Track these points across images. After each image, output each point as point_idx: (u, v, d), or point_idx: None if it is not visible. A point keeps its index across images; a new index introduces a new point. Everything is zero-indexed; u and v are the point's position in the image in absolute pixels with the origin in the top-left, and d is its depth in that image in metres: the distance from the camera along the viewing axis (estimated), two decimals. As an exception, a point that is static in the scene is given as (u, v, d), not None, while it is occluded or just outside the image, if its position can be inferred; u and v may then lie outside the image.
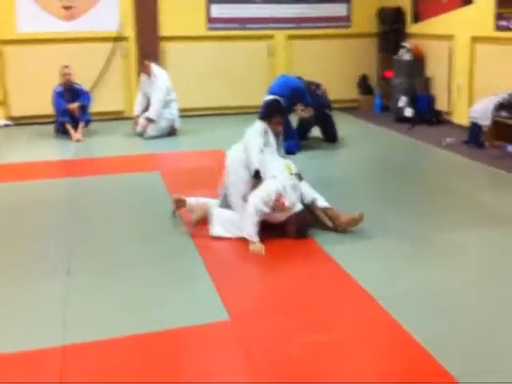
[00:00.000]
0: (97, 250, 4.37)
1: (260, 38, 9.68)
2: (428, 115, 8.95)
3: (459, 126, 8.49)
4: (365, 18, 10.08)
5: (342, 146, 7.73)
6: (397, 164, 6.88)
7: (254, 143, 4.58)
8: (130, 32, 9.19)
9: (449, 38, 8.72)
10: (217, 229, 4.44)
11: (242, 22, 9.62)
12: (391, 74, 9.63)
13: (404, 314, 3.33)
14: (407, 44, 9.35)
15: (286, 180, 4.42)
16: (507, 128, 7.53)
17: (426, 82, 9.19)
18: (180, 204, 4.79)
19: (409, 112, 9.04)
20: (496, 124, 7.49)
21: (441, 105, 9.02)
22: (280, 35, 9.75)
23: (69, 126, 8.00)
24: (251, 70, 9.50)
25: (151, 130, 8.08)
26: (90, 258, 4.21)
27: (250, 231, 4.27)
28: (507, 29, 7.64)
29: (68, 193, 5.84)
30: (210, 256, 4.19)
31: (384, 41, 9.92)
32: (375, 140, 8.43)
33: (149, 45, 9.11)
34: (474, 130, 7.67)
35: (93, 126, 8.46)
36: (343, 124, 9.08)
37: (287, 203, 4.29)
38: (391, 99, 9.66)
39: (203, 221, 4.54)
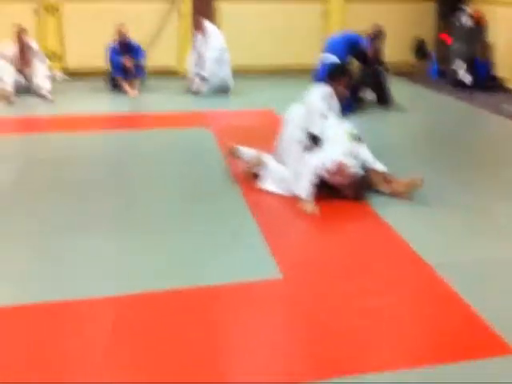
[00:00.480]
0: (147, 207, 4.36)
1: (315, 1, 9.57)
2: (487, 81, 8.68)
3: (522, 94, 8.20)
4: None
5: (396, 111, 7.54)
6: (453, 131, 6.69)
7: (317, 107, 4.53)
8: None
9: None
10: (268, 183, 4.46)
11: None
12: (448, 38, 9.34)
13: (462, 284, 3.18)
14: (467, 8, 9.02)
15: (347, 148, 4.34)
16: None
17: (486, 48, 8.88)
18: (233, 152, 4.80)
19: (467, 78, 8.79)
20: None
21: (502, 71, 8.71)
22: (336, -1, 9.60)
23: (123, 82, 8.07)
24: (304, 32, 9.39)
25: (204, 88, 8.08)
26: (141, 216, 4.14)
27: (306, 190, 4.23)
28: None
29: (122, 146, 5.96)
30: (262, 213, 4.17)
31: (443, 5, 9.60)
32: (431, 106, 8.23)
33: (204, 4, 9.10)
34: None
35: (147, 82, 8.55)
36: (398, 89, 8.87)
37: (348, 171, 4.25)
38: (448, 64, 9.38)
39: (255, 172, 4.57)
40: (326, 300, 3.09)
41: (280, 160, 4.63)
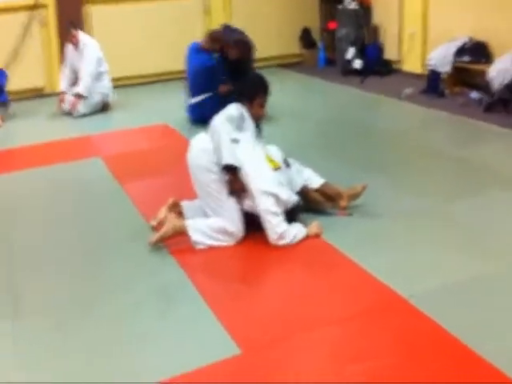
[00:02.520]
0: (45, 276, 3.54)
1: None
2: (377, 65, 8.44)
3: (412, 75, 8.04)
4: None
5: (289, 107, 7.04)
6: (356, 122, 6.34)
7: (222, 132, 3.64)
8: (48, -2, 8.11)
9: (398, -19, 8.14)
10: (196, 237, 3.65)
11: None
12: (334, 25, 9.01)
13: (442, 315, 2.83)
14: (351, -10, 8.71)
15: (272, 179, 3.67)
16: (466, 73, 7.13)
17: (375, 31, 8.63)
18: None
19: (357, 64, 8.49)
20: (455, 70, 7.06)
21: (390, 54, 8.50)
22: (217, -11, 8.91)
23: (-17, 111, 6.97)
24: (187, 31, 8.62)
25: (82, 108, 7.15)
26: (39, 290, 3.39)
27: (288, 231, 3.61)
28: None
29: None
30: (196, 272, 3.46)
31: (325, -11, 9.26)
32: (326, 96, 7.90)
33: (71, 10, 8.04)
34: (433, 77, 7.24)
35: (12, 107, 7.38)
36: (286, 81, 8.55)
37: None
38: (336, 51, 9.06)
39: (174, 234, 3.71)
40: (295, 369, 2.52)
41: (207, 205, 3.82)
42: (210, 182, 3.69)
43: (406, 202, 4.20)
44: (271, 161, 3.76)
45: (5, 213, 4.52)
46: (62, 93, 7.31)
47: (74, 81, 7.31)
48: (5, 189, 5.03)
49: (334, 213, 4.01)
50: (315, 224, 3.74)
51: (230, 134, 3.66)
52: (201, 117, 5.68)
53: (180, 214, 3.91)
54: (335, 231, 3.77)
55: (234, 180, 3.64)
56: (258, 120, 3.96)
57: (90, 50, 7.09)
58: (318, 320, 2.88)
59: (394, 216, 3.97)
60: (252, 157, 3.70)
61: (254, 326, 2.88)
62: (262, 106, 3.95)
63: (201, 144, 3.79)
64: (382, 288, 3.11)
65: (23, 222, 4.33)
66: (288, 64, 9.41)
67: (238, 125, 3.77)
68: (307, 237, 3.69)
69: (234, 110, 3.84)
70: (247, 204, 3.69)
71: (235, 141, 3.68)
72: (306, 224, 3.77)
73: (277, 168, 3.72)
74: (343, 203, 3.99)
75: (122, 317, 3.06)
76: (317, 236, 3.69)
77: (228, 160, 3.59)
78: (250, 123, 3.89)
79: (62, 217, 4.38)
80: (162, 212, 3.88)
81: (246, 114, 3.86)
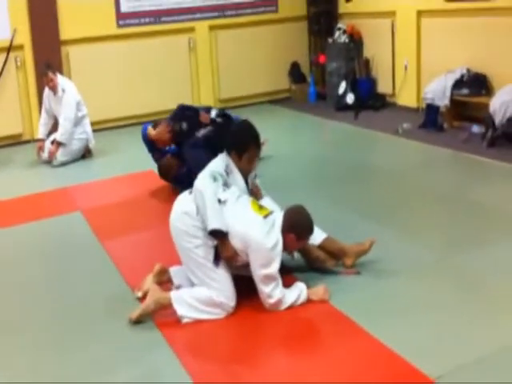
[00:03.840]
0: (11, 355, 3.09)
1: (179, 31, 8.45)
2: (371, 100, 8.12)
3: (407, 109, 7.75)
4: (293, 1, 9.05)
5: (280, 146, 6.62)
6: (352, 161, 5.97)
7: (208, 193, 3.20)
8: (24, 38, 7.69)
9: (390, 14, 7.86)
10: (182, 310, 3.18)
11: (157, 15, 8.33)
12: (324, 58, 8.73)
13: None
14: (342, 25, 8.43)
15: (263, 231, 3.18)
16: (465, 107, 6.82)
17: (366, 64, 8.33)
18: (161, 278, 3.49)
19: (350, 98, 8.17)
20: (453, 103, 6.74)
21: (384, 87, 8.19)
22: (202, 26, 8.55)
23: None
24: (172, 69, 8.28)
25: (61, 155, 6.71)
26: (10, 370, 2.95)
27: (286, 296, 3.22)
28: (458, -2, 6.84)
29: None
30: (186, 351, 2.99)
31: (315, 24, 8.97)
32: (318, 133, 7.60)
33: (49, 51, 7.64)
34: (431, 111, 6.93)
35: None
36: (276, 117, 8.26)
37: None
38: (327, 86, 8.76)
39: (158, 309, 3.24)
40: None
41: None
42: (193, 248, 3.24)
43: (417, 254, 3.78)
44: (260, 209, 3.31)
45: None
46: (41, 140, 6.91)
47: (53, 127, 6.92)
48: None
49: (339, 271, 3.58)
50: (321, 287, 3.31)
51: (215, 194, 3.23)
52: None
53: (168, 282, 3.47)
54: (342, 294, 3.34)
55: (222, 246, 3.20)
56: (245, 173, 3.55)
57: (68, 94, 6.68)
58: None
59: (408, 273, 3.55)
60: (239, 214, 3.24)
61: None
62: (252, 160, 3.53)
63: (182, 206, 3.33)
64: (404, 366, 2.67)
65: (5, 281, 3.90)
66: (277, 100, 9.10)
67: (225, 181, 3.35)
68: (311, 301, 3.26)
69: (219, 164, 3.43)
70: (239, 264, 3.26)
71: (222, 202, 3.24)
72: (308, 286, 3.34)
73: (267, 215, 3.27)
74: (349, 262, 3.57)
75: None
76: (323, 301, 3.25)
77: (214, 225, 3.14)
78: (236, 177, 3.48)
79: (36, 282, 3.93)
80: (148, 281, 3.43)
81: (234, 168, 3.47)
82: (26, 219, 5.08)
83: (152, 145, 5.44)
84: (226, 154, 3.51)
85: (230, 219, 3.19)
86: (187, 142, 5.19)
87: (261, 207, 3.33)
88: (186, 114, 5.41)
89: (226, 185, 3.34)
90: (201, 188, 3.23)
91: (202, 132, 5.17)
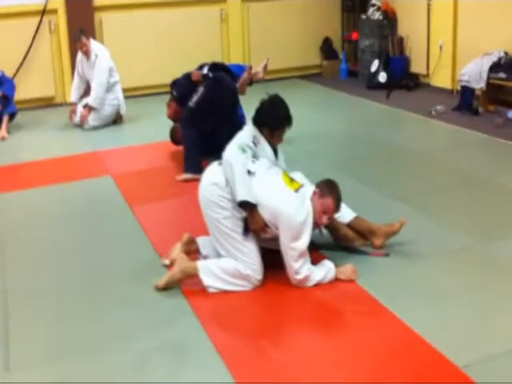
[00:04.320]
0: (41, 317, 3.14)
1: (212, 2, 8.38)
2: (404, 79, 8.00)
3: (441, 90, 7.62)
4: (327, -25, 8.93)
5: (311, 124, 6.59)
6: (383, 141, 5.89)
7: (237, 164, 3.20)
8: (58, 2, 7.70)
9: (426, -8, 7.71)
10: (208, 280, 3.21)
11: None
12: (357, 35, 8.61)
13: None
14: (377, 1, 8.28)
15: (296, 204, 3.15)
16: (502, 91, 6.69)
17: (400, 43, 8.19)
18: (189, 247, 3.51)
19: (382, 77, 8.06)
20: (490, 87, 6.61)
21: (418, 67, 8.06)
22: (234, -2, 8.49)
23: (-13, 122, 6.59)
24: (203, 40, 8.23)
25: (93, 120, 6.76)
26: (34, 336, 2.98)
27: (314, 273, 3.21)
28: (498, -23, 6.67)
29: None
30: (211, 321, 3.01)
31: None
32: (349, 112, 7.49)
33: (82, 16, 7.64)
34: (466, 94, 6.80)
35: (20, 117, 7.01)
36: (307, 93, 8.19)
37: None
38: (359, 63, 8.65)
39: (184, 278, 3.28)
40: None
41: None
42: (222, 219, 3.24)
43: (446, 239, 3.75)
44: (291, 182, 3.29)
45: (4, 235, 4.12)
46: (73, 104, 6.95)
47: (86, 91, 6.95)
48: (6, 209, 4.65)
49: (367, 252, 3.57)
50: (350, 267, 3.30)
51: (244, 166, 3.23)
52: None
53: (196, 252, 3.49)
54: (370, 275, 3.33)
55: (251, 218, 3.20)
56: (273, 145, 3.57)
57: (101, 59, 6.69)
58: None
59: (435, 257, 3.53)
60: (270, 187, 3.23)
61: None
62: (281, 138, 3.57)
63: (212, 177, 3.33)
64: (430, 352, 2.66)
65: (21, 248, 3.95)
66: (308, 75, 9.01)
67: (254, 153, 3.37)
68: (338, 279, 3.26)
69: (246, 136, 3.43)
70: (267, 237, 3.26)
71: (251, 173, 3.24)
72: (336, 264, 3.34)
73: (298, 188, 3.26)
74: (378, 242, 3.55)
75: (125, 374, 2.64)
76: (350, 281, 3.25)
77: (243, 196, 3.14)
78: (265, 148, 3.49)
79: (66, 245, 3.98)
80: (176, 250, 3.46)
81: (262, 139, 3.47)
82: (57, 180, 5.16)
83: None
84: (253, 126, 3.49)
85: (259, 191, 3.19)
86: (181, 114, 5.15)
87: (292, 180, 3.31)
88: (179, 80, 5.32)
89: (255, 156, 3.34)
90: (229, 159, 3.23)
91: (194, 99, 5.03)
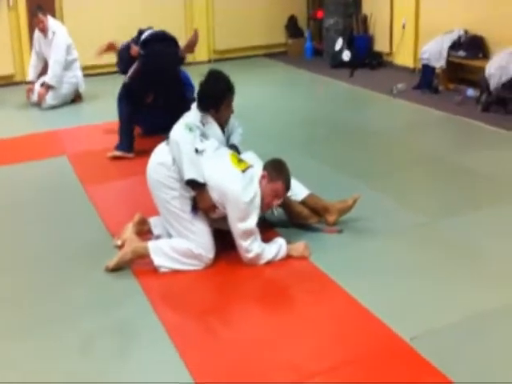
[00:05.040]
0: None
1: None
2: (367, 58, 7.99)
3: (403, 69, 7.64)
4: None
5: (274, 102, 6.62)
6: (344, 121, 5.91)
7: (184, 143, 3.15)
8: (15, -24, 7.52)
9: (389, -31, 7.68)
10: (159, 260, 3.18)
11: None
12: (322, 13, 8.56)
13: (448, 361, 2.43)
14: (340, -22, 8.23)
15: (242, 184, 3.12)
16: (461, 69, 6.73)
17: (364, 21, 8.18)
18: (141, 228, 3.46)
19: (346, 55, 8.04)
20: (449, 65, 6.65)
21: (381, 46, 8.07)
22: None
23: None
24: (166, 17, 8.07)
25: (51, 99, 6.63)
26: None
27: (265, 251, 3.20)
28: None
29: None
30: (161, 300, 3.00)
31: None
32: (313, 90, 7.49)
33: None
34: (427, 72, 6.83)
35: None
36: (271, 72, 8.17)
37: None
38: (324, 42, 8.62)
39: (135, 258, 3.24)
40: None
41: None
42: (170, 200, 3.21)
43: (402, 216, 3.78)
44: (239, 162, 3.26)
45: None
46: (31, 82, 6.80)
47: (43, 70, 6.80)
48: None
49: (321, 229, 3.57)
50: (302, 244, 3.30)
51: (192, 144, 3.18)
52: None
53: (149, 232, 3.45)
54: (323, 252, 3.34)
55: (200, 196, 3.16)
56: (223, 122, 3.52)
57: (58, 37, 6.54)
58: (300, 367, 2.45)
59: (390, 234, 3.55)
60: (217, 167, 3.20)
61: (224, 372, 2.45)
62: (229, 106, 3.49)
63: (158, 157, 3.29)
64: (379, 327, 2.69)
65: None
66: (273, 54, 8.96)
67: (202, 132, 3.32)
68: (291, 257, 3.26)
69: (193, 115, 3.39)
70: (216, 217, 3.24)
71: (199, 151, 3.20)
72: (289, 241, 3.33)
73: (245, 168, 3.22)
74: (331, 218, 3.56)
75: (70, 355, 2.60)
76: (303, 258, 3.25)
77: (191, 175, 3.10)
78: (214, 127, 3.45)
79: (17, 224, 3.93)
80: (127, 230, 3.41)
81: (209, 118, 3.42)
82: (11, 161, 5.06)
83: None
84: (201, 111, 3.43)
85: (207, 170, 3.15)
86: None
87: (240, 161, 3.28)
88: (122, 54, 5.20)
89: (203, 135, 3.30)
90: (176, 138, 3.18)
91: (128, 74, 4.99)
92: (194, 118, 3.38)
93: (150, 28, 5.12)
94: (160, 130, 4.89)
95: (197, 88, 3.54)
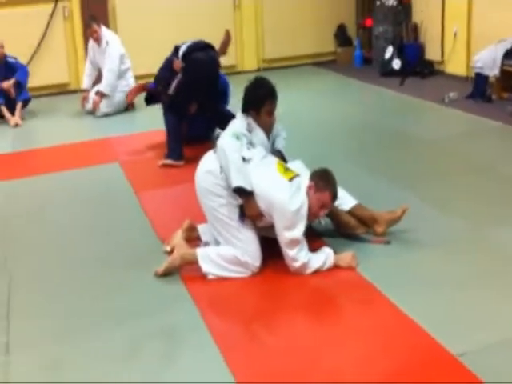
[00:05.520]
0: (42, 298, 3.21)
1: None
2: (418, 66, 7.91)
3: (455, 77, 7.52)
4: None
5: (324, 110, 6.61)
6: (395, 129, 5.84)
7: (231, 151, 3.19)
8: (73, -11, 7.76)
9: (441, -23, 7.59)
10: (207, 267, 3.23)
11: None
12: (371, 21, 8.52)
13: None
14: (389, -14, 8.19)
15: (289, 193, 3.13)
16: (516, 78, 6.58)
17: (415, 29, 8.10)
18: (190, 234, 3.53)
19: (396, 64, 7.98)
20: (504, 74, 6.51)
21: (432, 54, 7.96)
22: (247, -17, 8.44)
23: (3, 109, 6.66)
24: (217, 27, 8.16)
25: (104, 107, 6.81)
26: (34, 317, 3.04)
27: (312, 260, 3.21)
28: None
29: (1, 204, 4.57)
30: (209, 307, 3.05)
31: (363, -15, 8.75)
32: (363, 99, 7.45)
33: (96, 3, 7.67)
34: (480, 81, 6.70)
35: (33, 103, 7.11)
36: (320, 80, 8.17)
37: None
38: (373, 50, 8.58)
39: (183, 264, 3.30)
40: None
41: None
42: (218, 207, 3.26)
43: (452, 227, 3.72)
44: (285, 171, 3.28)
45: (10, 221, 4.20)
46: (85, 90, 7.00)
47: (98, 78, 7.00)
48: (17, 194, 4.72)
49: (368, 240, 3.56)
50: (350, 254, 3.29)
51: (239, 152, 3.23)
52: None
53: (197, 239, 3.51)
54: (370, 262, 3.32)
55: (247, 204, 3.20)
56: (267, 129, 3.54)
57: (112, 46, 6.73)
58: (343, 377, 2.45)
59: (440, 245, 3.50)
60: (264, 175, 3.22)
61: (267, 378, 2.48)
62: (271, 113, 3.51)
63: (206, 165, 3.35)
64: (427, 340, 2.65)
65: (26, 233, 4.02)
66: (322, 62, 8.94)
67: (249, 140, 3.36)
68: (338, 267, 3.26)
69: (239, 123, 3.43)
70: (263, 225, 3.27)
71: (246, 160, 3.24)
72: (336, 251, 3.34)
73: (292, 177, 3.24)
74: (380, 229, 3.54)
75: (119, 357, 2.68)
76: (350, 268, 3.24)
77: (238, 182, 3.14)
78: (259, 134, 3.48)
79: (71, 230, 4.04)
80: (177, 236, 3.48)
81: (254, 124, 3.46)
82: (66, 167, 5.22)
83: None
84: (244, 113, 3.49)
85: (254, 179, 3.19)
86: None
87: (286, 169, 3.30)
88: (159, 75, 5.40)
89: (250, 144, 3.34)
90: (223, 146, 3.23)
91: (172, 86, 5.07)
92: (241, 125, 3.42)
93: (184, 43, 5.22)
94: (197, 138, 5.30)
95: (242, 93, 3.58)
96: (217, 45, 5.33)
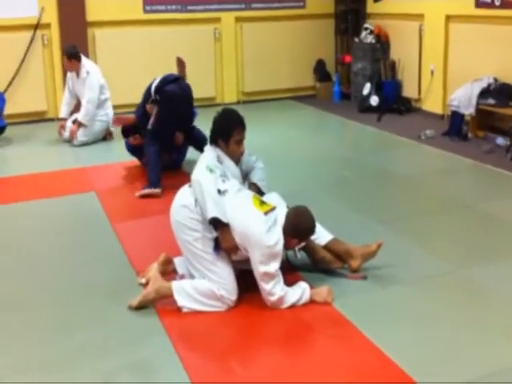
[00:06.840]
0: (10, 330, 3.14)
1: (205, 21, 8.45)
2: (395, 103, 8.02)
3: (432, 115, 7.64)
4: (320, -3, 9.00)
5: (302, 144, 6.67)
6: (372, 165, 5.90)
7: (206, 184, 3.18)
8: (52, 17, 7.75)
9: (418, 17, 7.75)
10: (182, 301, 3.18)
11: (184, 3, 8.31)
12: (350, 58, 8.66)
13: None
14: (370, 25, 8.35)
15: (264, 229, 3.11)
16: (491, 117, 6.70)
17: (392, 67, 8.24)
18: (166, 268, 3.48)
19: (374, 100, 8.08)
20: (479, 113, 6.63)
21: (409, 91, 8.10)
22: (228, 17, 8.53)
23: (-21, 136, 6.59)
24: (196, 59, 8.24)
25: (82, 136, 6.76)
26: (4, 350, 2.96)
27: (288, 294, 3.18)
28: (489, 6, 6.71)
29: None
30: (183, 341, 2.98)
31: (342, 22, 8.89)
32: (341, 134, 7.54)
33: (75, 32, 7.67)
34: (456, 119, 6.81)
35: (10, 131, 7.02)
36: (299, 115, 8.23)
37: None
38: (352, 86, 8.70)
39: (158, 298, 3.25)
40: None
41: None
42: (192, 241, 3.23)
43: (427, 263, 3.73)
44: (261, 204, 3.25)
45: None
46: (63, 119, 6.96)
47: (76, 107, 6.96)
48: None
49: (345, 275, 3.54)
50: (325, 289, 3.27)
51: (214, 185, 3.21)
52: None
53: (173, 272, 3.47)
54: (346, 297, 3.30)
55: (222, 236, 3.17)
56: (236, 159, 3.54)
57: (92, 77, 6.71)
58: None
59: (414, 281, 3.49)
60: (239, 209, 3.20)
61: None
62: (240, 142, 3.51)
63: (181, 199, 3.33)
64: (400, 376, 2.63)
65: (12, 255, 4.00)
66: (301, 97, 9.04)
67: (223, 172, 3.35)
68: (314, 301, 3.23)
69: (209, 156, 3.42)
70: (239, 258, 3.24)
71: (221, 192, 3.22)
72: (312, 286, 3.31)
73: (268, 211, 3.21)
74: (355, 264, 3.52)
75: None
76: (326, 303, 3.22)
77: (214, 213, 3.11)
78: (230, 166, 3.48)
79: (45, 260, 3.95)
80: (152, 269, 3.43)
81: (223, 156, 3.46)
82: (41, 195, 5.15)
83: None
84: (212, 145, 3.49)
85: (229, 212, 3.16)
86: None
87: (262, 203, 3.28)
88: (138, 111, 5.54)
89: (224, 175, 3.33)
90: (199, 179, 3.21)
91: (150, 121, 5.20)
92: (211, 157, 3.41)
93: (154, 80, 5.36)
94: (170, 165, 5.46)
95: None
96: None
